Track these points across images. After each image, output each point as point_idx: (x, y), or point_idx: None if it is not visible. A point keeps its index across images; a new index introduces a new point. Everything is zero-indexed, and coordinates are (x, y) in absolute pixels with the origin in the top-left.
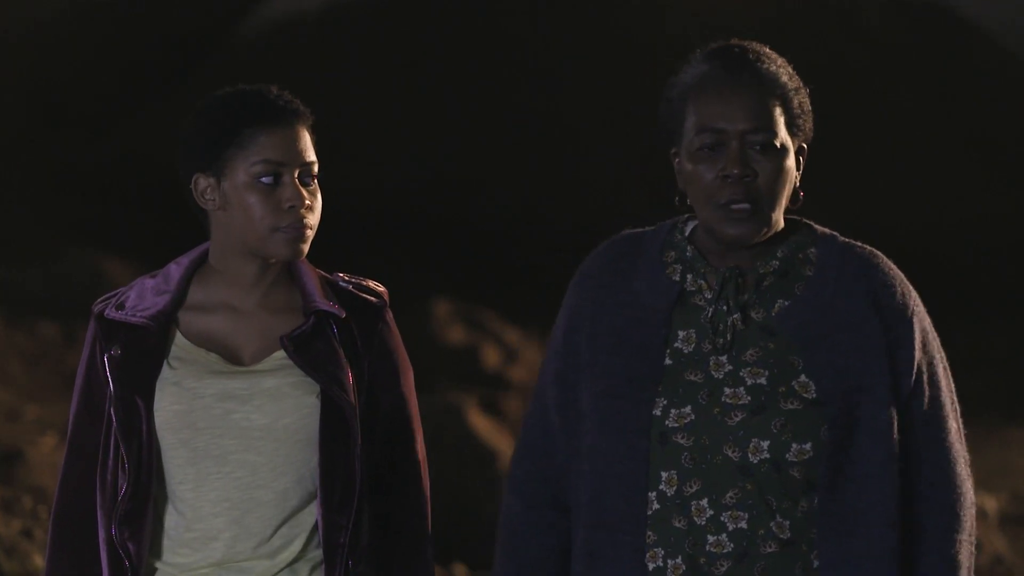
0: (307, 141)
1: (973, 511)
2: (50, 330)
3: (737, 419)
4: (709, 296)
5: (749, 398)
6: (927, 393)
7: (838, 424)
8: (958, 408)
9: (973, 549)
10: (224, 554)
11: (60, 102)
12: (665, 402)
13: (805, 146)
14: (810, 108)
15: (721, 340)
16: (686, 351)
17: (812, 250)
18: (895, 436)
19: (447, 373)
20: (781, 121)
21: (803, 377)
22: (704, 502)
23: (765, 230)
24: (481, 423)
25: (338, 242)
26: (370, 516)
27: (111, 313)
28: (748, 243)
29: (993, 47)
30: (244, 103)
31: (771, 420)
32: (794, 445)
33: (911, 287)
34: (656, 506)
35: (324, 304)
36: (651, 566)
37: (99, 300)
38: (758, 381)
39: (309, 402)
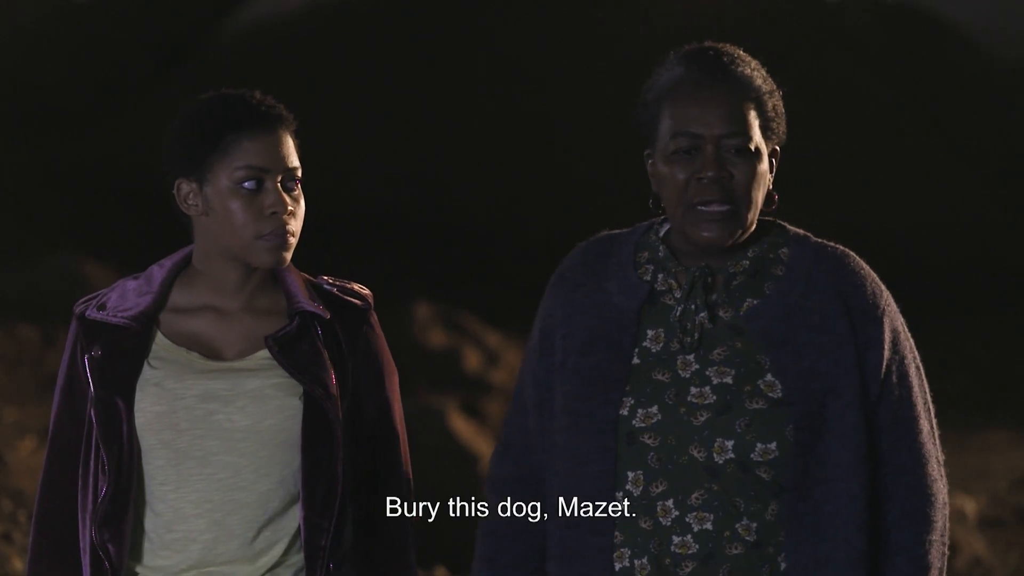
0: (290, 146)
1: (945, 512)
2: (29, 333)
3: (703, 419)
4: (679, 295)
5: (715, 397)
6: (897, 394)
7: (804, 425)
8: (932, 409)
9: (945, 551)
10: (204, 556)
11: (40, 104)
12: (632, 402)
13: (778, 148)
14: (783, 111)
15: (688, 339)
16: (654, 350)
17: (784, 250)
18: (863, 438)
19: (428, 376)
20: (756, 125)
21: (769, 376)
22: (670, 502)
23: (739, 232)
24: (462, 426)
25: (318, 245)
26: (353, 519)
27: (92, 314)
28: (722, 245)
29: (973, 50)
30: (226, 108)
31: (736, 420)
32: (759, 445)
33: (883, 287)
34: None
35: (309, 305)
36: (618, 566)
37: (80, 301)
38: (724, 380)
39: (292, 404)
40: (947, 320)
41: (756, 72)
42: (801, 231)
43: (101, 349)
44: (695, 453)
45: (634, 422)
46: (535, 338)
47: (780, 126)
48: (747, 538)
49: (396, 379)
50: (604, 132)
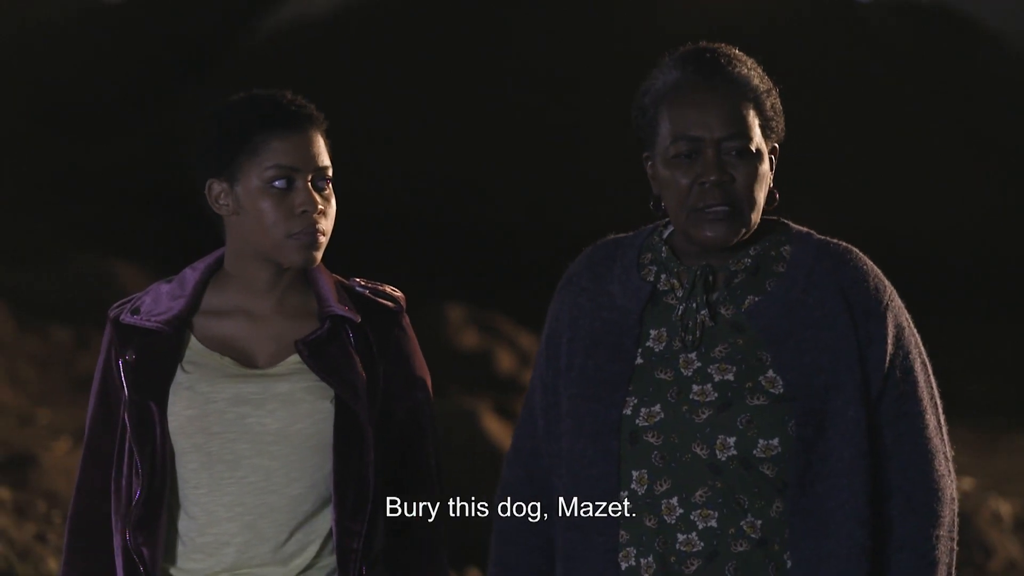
0: (320, 146)
1: (953, 508)
2: (62, 334)
3: (704, 416)
4: (680, 295)
5: (716, 395)
6: (901, 389)
7: (806, 420)
8: (939, 404)
9: (953, 546)
10: (237, 559)
11: (72, 105)
12: (635, 401)
13: (777, 146)
14: (781, 109)
15: (690, 337)
16: (657, 350)
17: (786, 247)
18: (865, 433)
19: (460, 378)
20: (755, 125)
21: (770, 372)
22: (674, 500)
23: (743, 231)
24: (494, 427)
25: (350, 247)
26: (385, 522)
27: (126, 318)
28: (726, 245)
29: (999, 48)
30: (257, 108)
31: (737, 416)
32: (761, 441)
33: (886, 283)
34: (628, 504)
35: (339, 309)
36: (624, 565)
37: (115, 305)
38: (726, 377)
39: (323, 407)
40: (977, 323)
41: (753, 71)
42: (804, 229)
43: (135, 353)
44: (698, 451)
45: (637, 421)
46: (543, 343)
47: (779, 124)
48: (752, 535)
49: (428, 382)
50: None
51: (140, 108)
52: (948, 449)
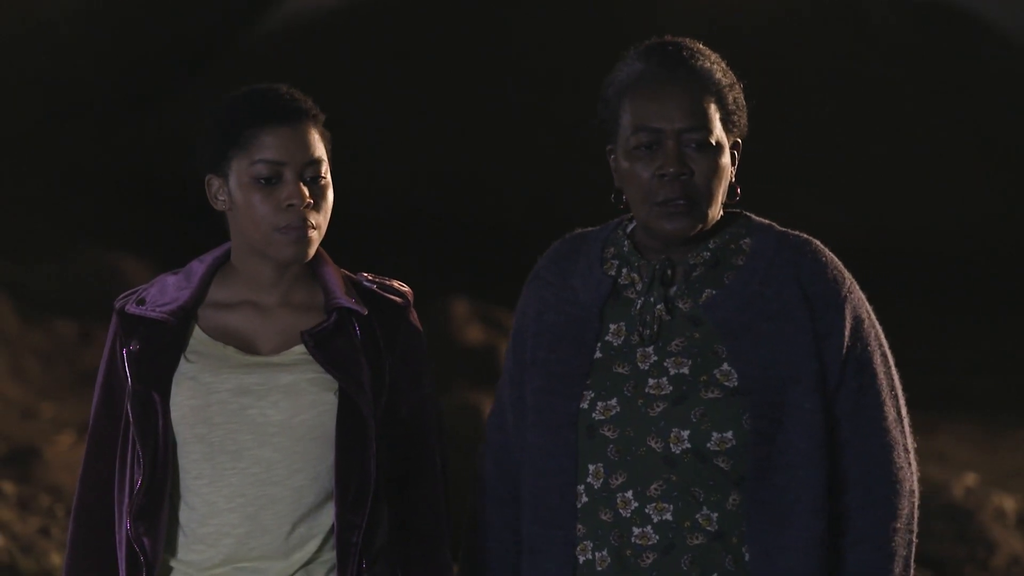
0: (311, 139)
1: (913, 500)
2: (66, 328)
3: (659, 409)
4: (640, 289)
5: (671, 388)
6: (859, 381)
7: (761, 413)
8: (900, 396)
9: (912, 539)
10: (237, 551)
11: (74, 99)
12: (592, 395)
13: (740, 141)
14: (744, 103)
15: (648, 331)
16: (616, 344)
17: (746, 240)
18: (822, 425)
19: (465, 372)
20: (716, 118)
21: (725, 366)
22: (629, 494)
23: (700, 226)
24: None
25: (354, 242)
26: (389, 516)
27: (131, 308)
28: (685, 237)
29: (1002, 45)
30: (247, 103)
31: (691, 409)
32: (714, 434)
33: (845, 274)
34: (585, 499)
35: (346, 301)
36: (581, 559)
37: (121, 296)
38: (681, 371)
39: (326, 399)
40: (982, 319)
41: (716, 65)
42: (765, 221)
43: (139, 343)
44: (653, 444)
45: (594, 415)
46: (511, 338)
47: (742, 119)
48: (708, 528)
49: (433, 377)
50: None
51: (142, 105)
52: (909, 441)
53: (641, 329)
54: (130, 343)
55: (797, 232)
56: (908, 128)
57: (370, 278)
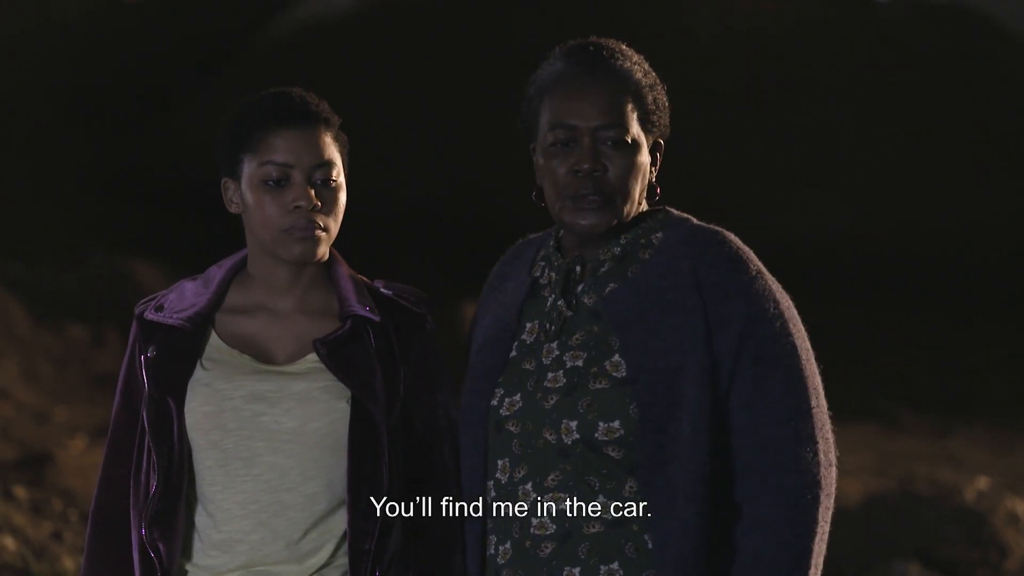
0: (321, 142)
1: (816, 491)
2: (79, 332)
3: (552, 402)
4: (554, 287)
5: (564, 381)
6: (754, 371)
7: (649, 402)
8: (811, 389)
9: (815, 529)
10: (251, 556)
11: (89, 104)
12: (502, 392)
13: (662, 142)
14: (666, 104)
15: (552, 327)
16: (528, 342)
17: (658, 235)
18: (707, 414)
19: None
20: (633, 117)
21: (616, 357)
22: (529, 486)
23: (616, 221)
24: None
25: (367, 245)
26: (403, 523)
27: (150, 315)
28: (597, 232)
29: (1017, 48)
30: (258, 107)
31: (579, 400)
32: (601, 424)
33: (750, 266)
34: (493, 494)
35: (360, 309)
36: (488, 552)
37: (141, 301)
38: (576, 363)
39: (339, 407)
40: (994, 322)
41: (637, 66)
42: (684, 216)
43: (156, 350)
44: (548, 436)
45: (501, 411)
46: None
47: (662, 119)
48: (605, 516)
49: (450, 386)
50: None
51: (156, 109)
52: (819, 434)
53: (548, 326)
54: (148, 349)
55: (713, 227)
56: (926, 131)
57: (387, 285)
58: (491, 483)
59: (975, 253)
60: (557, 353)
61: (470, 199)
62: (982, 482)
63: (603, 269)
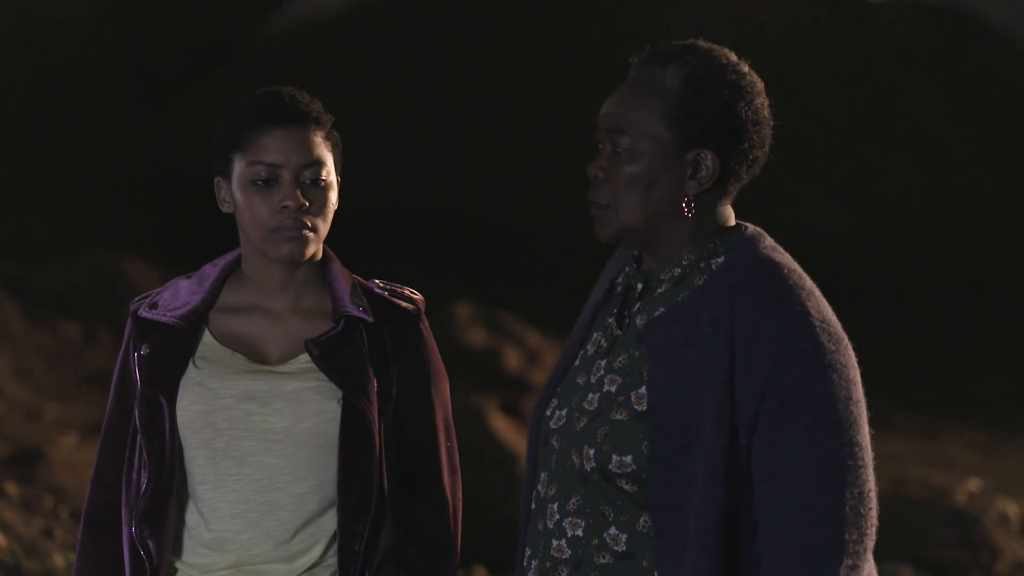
0: (311, 142)
1: (835, 551)
2: (69, 329)
3: (582, 424)
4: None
5: (596, 405)
6: (777, 419)
7: (663, 440)
8: (852, 441)
9: None
10: (240, 556)
11: (82, 101)
12: (555, 403)
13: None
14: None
15: (605, 344)
16: (588, 354)
17: (720, 259)
18: (722, 457)
19: (468, 375)
20: (650, 122)
21: (642, 389)
22: (555, 506)
23: (614, 230)
24: (502, 425)
25: (358, 246)
26: (395, 524)
27: (144, 312)
28: (606, 242)
29: (1015, 51)
30: (248, 106)
31: (599, 428)
32: (614, 456)
33: (796, 308)
34: (533, 506)
35: (353, 309)
36: (522, 564)
37: (136, 299)
38: (610, 389)
39: (330, 407)
40: (986, 324)
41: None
42: (755, 237)
43: (149, 347)
44: (574, 458)
45: (551, 423)
46: None
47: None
48: (615, 548)
49: (445, 385)
50: None
51: (150, 107)
52: (854, 489)
53: (602, 342)
54: (141, 347)
55: (777, 257)
56: (920, 132)
57: (382, 285)
58: (534, 493)
59: (968, 254)
60: (602, 373)
61: (463, 199)
62: (973, 484)
63: (660, 290)
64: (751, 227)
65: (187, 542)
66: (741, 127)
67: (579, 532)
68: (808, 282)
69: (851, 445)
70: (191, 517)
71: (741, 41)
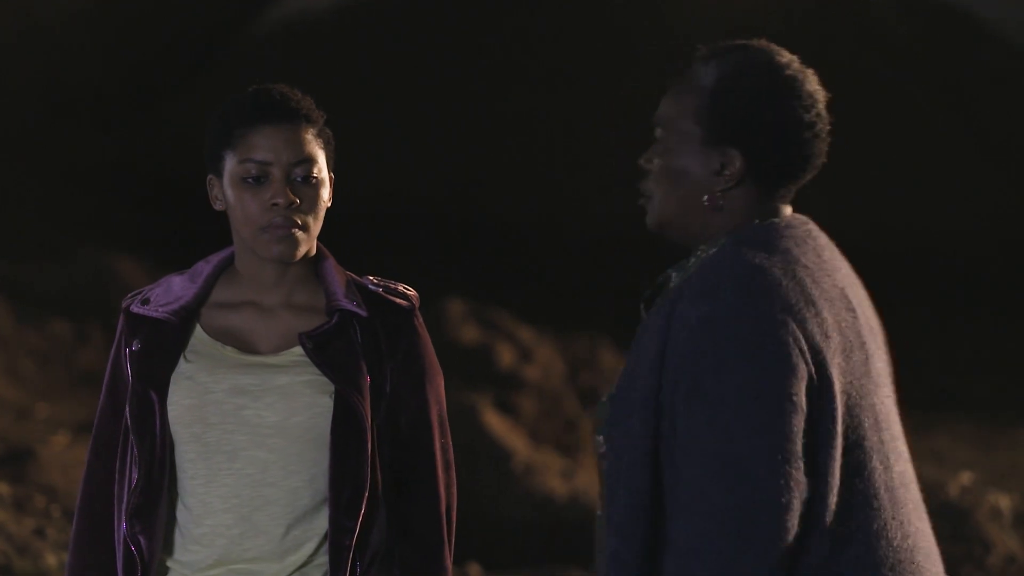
0: (301, 139)
1: (732, 541)
2: (61, 328)
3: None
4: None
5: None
6: (685, 408)
7: (612, 423)
8: (755, 432)
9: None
10: (230, 551)
11: (72, 100)
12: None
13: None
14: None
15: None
16: None
17: (711, 252)
18: (638, 443)
19: (461, 372)
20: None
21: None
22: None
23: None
24: (495, 422)
25: (351, 242)
26: (388, 521)
27: (136, 308)
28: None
29: (1008, 49)
30: (239, 104)
31: (599, 411)
32: (599, 439)
33: (726, 294)
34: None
35: (346, 303)
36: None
37: (128, 295)
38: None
39: (322, 402)
40: (977, 318)
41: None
42: (745, 237)
43: (140, 343)
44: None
45: None
46: None
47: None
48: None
49: (439, 382)
50: (640, 134)
51: (141, 106)
52: (759, 484)
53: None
54: (133, 342)
55: (744, 249)
56: (911, 129)
57: (376, 281)
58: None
59: (958, 250)
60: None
61: (456, 197)
62: (965, 478)
63: (669, 285)
64: (772, 222)
65: (177, 538)
66: (767, 128)
67: (598, 512)
68: (771, 282)
69: (758, 439)
70: (182, 513)
71: (728, 37)
